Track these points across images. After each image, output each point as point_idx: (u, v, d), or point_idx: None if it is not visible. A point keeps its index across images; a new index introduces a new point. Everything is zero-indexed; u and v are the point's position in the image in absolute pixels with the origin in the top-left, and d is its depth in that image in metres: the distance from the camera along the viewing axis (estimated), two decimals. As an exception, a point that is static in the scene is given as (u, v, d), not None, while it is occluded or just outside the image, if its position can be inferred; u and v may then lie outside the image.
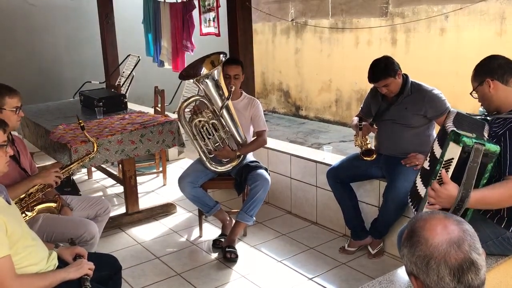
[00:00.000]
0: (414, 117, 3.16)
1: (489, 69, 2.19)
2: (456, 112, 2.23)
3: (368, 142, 3.33)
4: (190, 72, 3.50)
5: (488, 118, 2.25)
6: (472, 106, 4.84)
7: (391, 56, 3.19)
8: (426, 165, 2.17)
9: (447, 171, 1.95)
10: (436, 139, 2.18)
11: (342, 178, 3.39)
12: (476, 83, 2.24)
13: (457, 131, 1.94)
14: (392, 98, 3.23)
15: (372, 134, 3.38)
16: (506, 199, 2.00)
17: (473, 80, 2.26)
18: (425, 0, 6.75)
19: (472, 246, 1.14)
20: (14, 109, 2.64)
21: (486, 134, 2.08)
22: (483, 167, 1.90)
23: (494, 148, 1.89)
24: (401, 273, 2.11)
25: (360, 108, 3.63)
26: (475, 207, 1.99)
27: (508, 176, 1.99)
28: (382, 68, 3.09)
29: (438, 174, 1.96)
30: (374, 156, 3.29)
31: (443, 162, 1.98)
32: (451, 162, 1.94)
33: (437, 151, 2.09)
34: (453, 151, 1.93)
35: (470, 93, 2.28)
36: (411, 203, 2.23)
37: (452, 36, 6.55)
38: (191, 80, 3.62)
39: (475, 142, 1.87)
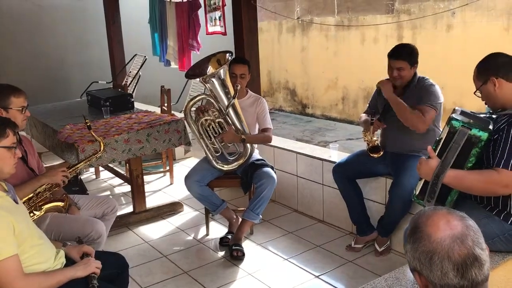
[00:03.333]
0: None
1: (493, 68, 2.18)
2: (461, 110, 2.24)
3: (375, 138, 3.32)
4: (196, 71, 3.51)
5: (493, 116, 2.24)
6: (479, 103, 4.81)
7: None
8: None
9: (436, 149, 2.11)
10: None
11: (348, 174, 3.38)
12: (479, 82, 2.22)
13: (454, 116, 2.04)
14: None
15: (378, 131, 3.37)
16: (480, 186, 2.06)
17: (476, 79, 2.24)
18: (431, -4, 6.73)
19: (476, 241, 1.14)
20: (20, 109, 2.66)
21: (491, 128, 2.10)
22: (467, 150, 2.02)
23: (480, 134, 1.97)
24: (407, 270, 2.10)
25: (367, 105, 3.62)
26: (451, 185, 2.10)
27: (494, 167, 2.03)
28: (408, 51, 3.13)
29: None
30: (381, 153, 3.27)
31: (436, 141, 2.16)
32: (440, 141, 2.10)
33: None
34: (444, 132, 2.10)
35: (474, 93, 2.27)
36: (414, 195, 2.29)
37: (459, 33, 6.51)
38: (198, 79, 3.62)
39: (461, 125, 1.99)
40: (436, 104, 3.05)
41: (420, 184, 2.21)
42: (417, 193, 2.24)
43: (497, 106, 2.21)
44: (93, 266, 2.08)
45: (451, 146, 2.01)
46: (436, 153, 2.08)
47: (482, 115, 2.26)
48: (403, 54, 3.11)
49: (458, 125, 2.00)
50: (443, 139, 2.08)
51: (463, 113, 2.17)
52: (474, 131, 1.99)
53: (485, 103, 2.29)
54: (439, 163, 2.03)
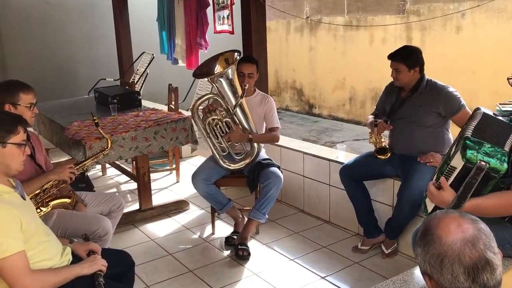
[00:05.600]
0: (428, 115, 3.13)
1: None
2: (483, 113, 2.10)
3: (383, 140, 3.31)
4: (204, 70, 3.51)
5: None
6: (488, 105, 4.78)
7: (421, 52, 3.19)
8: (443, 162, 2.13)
9: (449, 177, 1.94)
10: (457, 141, 2.09)
11: (355, 176, 3.37)
12: None
13: (468, 142, 1.86)
14: (406, 94, 3.21)
15: (386, 133, 3.35)
16: (500, 210, 1.97)
17: None
18: (442, -3, 6.68)
19: (487, 245, 1.12)
20: (29, 105, 2.66)
21: (510, 143, 1.96)
22: (484, 183, 1.86)
23: (500, 168, 1.81)
24: (415, 273, 2.09)
25: (375, 107, 3.61)
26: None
27: None
28: (405, 53, 3.15)
29: (444, 174, 1.96)
30: (389, 154, 3.26)
31: (448, 167, 1.96)
32: (454, 170, 1.92)
33: (453, 150, 2.05)
34: (458, 161, 1.90)
35: (508, 78, 2.20)
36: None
37: (469, 34, 6.46)
38: (205, 78, 3.61)
39: (479, 159, 1.81)
40: (463, 102, 3.08)
41: (432, 205, 2.05)
42: (429, 211, 2.09)
43: None
44: (99, 264, 2.08)
45: (468, 181, 1.84)
46: (449, 183, 1.92)
47: (504, 119, 2.12)
48: (398, 56, 3.14)
49: (475, 160, 1.81)
50: (457, 170, 1.89)
51: (484, 117, 2.03)
52: (493, 164, 1.81)
53: None
54: (455, 198, 1.88)
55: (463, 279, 1.09)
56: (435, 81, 3.19)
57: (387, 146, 3.31)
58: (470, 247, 1.10)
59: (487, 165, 1.80)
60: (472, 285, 1.09)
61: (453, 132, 3.12)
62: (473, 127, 1.97)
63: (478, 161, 1.81)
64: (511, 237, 2.09)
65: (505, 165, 1.83)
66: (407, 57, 3.11)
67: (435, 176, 2.15)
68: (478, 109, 2.17)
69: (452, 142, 3.08)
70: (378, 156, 3.28)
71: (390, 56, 3.18)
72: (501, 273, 1.12)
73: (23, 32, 7.01)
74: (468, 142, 1.86)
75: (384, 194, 3.45)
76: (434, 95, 3.11)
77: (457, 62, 6.46)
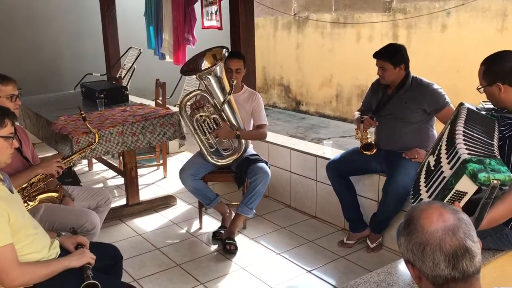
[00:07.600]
0: (413, 112, 3.18)
1: (501, 73, 2.13)
2: (467, 108, 2.12)
3: (368, 136, 3.36)
4: (191, 67, 3.51)
5: (495, 113, 2.22)
6: (472, 102, 4.85)
7: (406, 49, 3.22)
8: (432, 162, 2.11)
9: (459, 202, 1.88)
10: (445, 140, 2.07)
11: (341, 171, 3.41)
12: (485, 82, 2.18)
13: (473, 164, 1.80)
14: (392, 91, 3.26)
15: (372, 129, 3.40)
16: (508, 214, 2.01)
17: (482, 78, 2.19)
18: (427, -5, 6.75)
19: (467, 233, 1.16)
20: (9, 97, 2.66)
21: (496, 138, 1.99)
22: (495, 197, 1.86)
23: (509, 180, 1.80)
24: (400, 265, 2.13)
25: (361, 103, 3.65)
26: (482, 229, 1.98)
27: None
28: (390, 51, 3.18)
29: (448, 199, 1.89)
30: (374, 150, 3.31)
31: (454, 192, 1.87)
32: (464, 195, 1.86)
33: (443, 155, 2.01)
34: (468, 186, 1.83)
35: (477, 88, 2.22)
36: (412, 197, 2.22)
37: (454, 33, 6.55)
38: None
39: (492, 179, 1.78)
40: (448, 100, 3.14)
41: None
42: None
43: (500, 106, 2.20)
44: (88, 257, 2.09)
45: (484, 202, 1.83)
46: (461, 206, 1.86)
47: (485, 113, 2.19)
48: (383, 54, 3.18)
49: (489, 180, 1.77)
50: (469, 194, 1.85)
51: (469, 113, 2.05)
52: (503, 178, 1.78)
53: (487, 96, 2.24)
54: (472, 221, 1.75)
55: (443, 266, 1.14)
56: (420, 78, 3.24)
57: (373, 142, 3.36)
58: (450, 236, 1.15)
59: (499, 182, 1.79)
60: (452, 271, 1.13)
61: (437, 128, 3.18)
62: (462, 134, 1.94)
63: (491, 181, 1.78)
64: (493, 230, 2.15)
65: (511, 174, 1.82)
66: (392, 55, 3.15)
67: (423, 175, 2.15)
68: (461, 104, 2.20)
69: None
70: (364, 152, 3.32)
71: (376, 55, 3.22)
72: (480, 261, 1.16)
73: (8, 26, 6.93)
74: (473, 165, 1.81)
75: (369, 189, 3.50)
76: (419, 92, 3.17)
77: (442, 60, 6.55)
